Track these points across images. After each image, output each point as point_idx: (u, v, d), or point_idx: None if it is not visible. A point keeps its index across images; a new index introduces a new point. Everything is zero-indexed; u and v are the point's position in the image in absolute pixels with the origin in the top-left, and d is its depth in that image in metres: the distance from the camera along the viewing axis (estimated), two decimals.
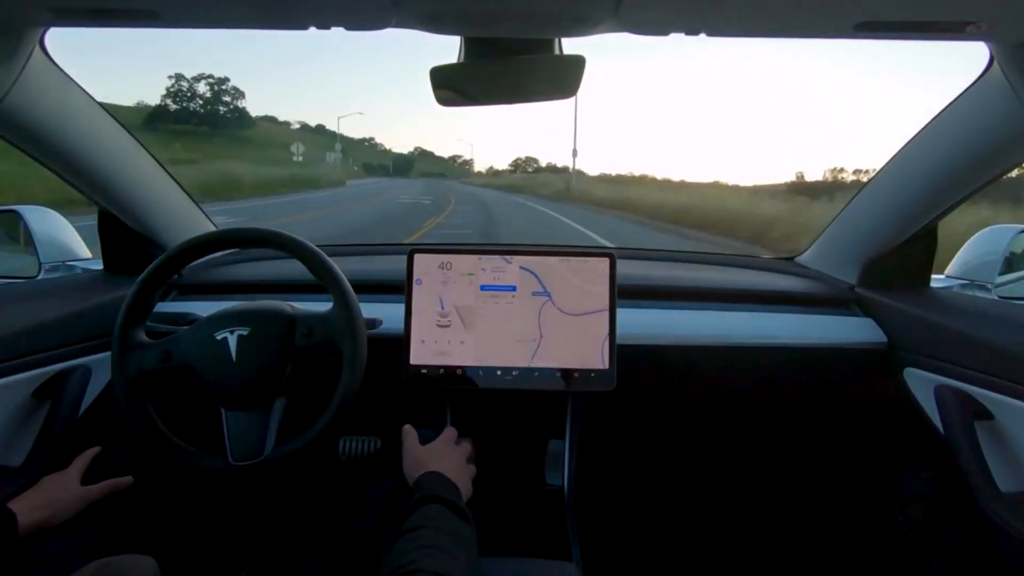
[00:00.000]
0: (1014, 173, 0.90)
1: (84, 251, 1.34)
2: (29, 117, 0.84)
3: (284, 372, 0.82)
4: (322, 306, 0.88)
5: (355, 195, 24.85)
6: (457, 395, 1.05)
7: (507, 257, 0.99)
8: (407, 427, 0.82)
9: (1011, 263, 1.28)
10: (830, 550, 1.26)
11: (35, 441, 0.87)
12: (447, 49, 0.78)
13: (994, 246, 1.26)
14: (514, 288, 0.99)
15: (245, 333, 0.82)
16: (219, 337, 0.81)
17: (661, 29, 0.66)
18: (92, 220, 1.15)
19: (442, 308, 0.99)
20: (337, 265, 0.85)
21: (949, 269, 1.31)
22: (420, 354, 0.98)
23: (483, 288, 0.99)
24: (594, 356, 0.97)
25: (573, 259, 0.99)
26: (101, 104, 0.97)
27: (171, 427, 0.83)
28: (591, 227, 11.86)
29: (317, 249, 0.86)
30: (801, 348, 1.07)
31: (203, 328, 0.83)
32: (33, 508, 0.70)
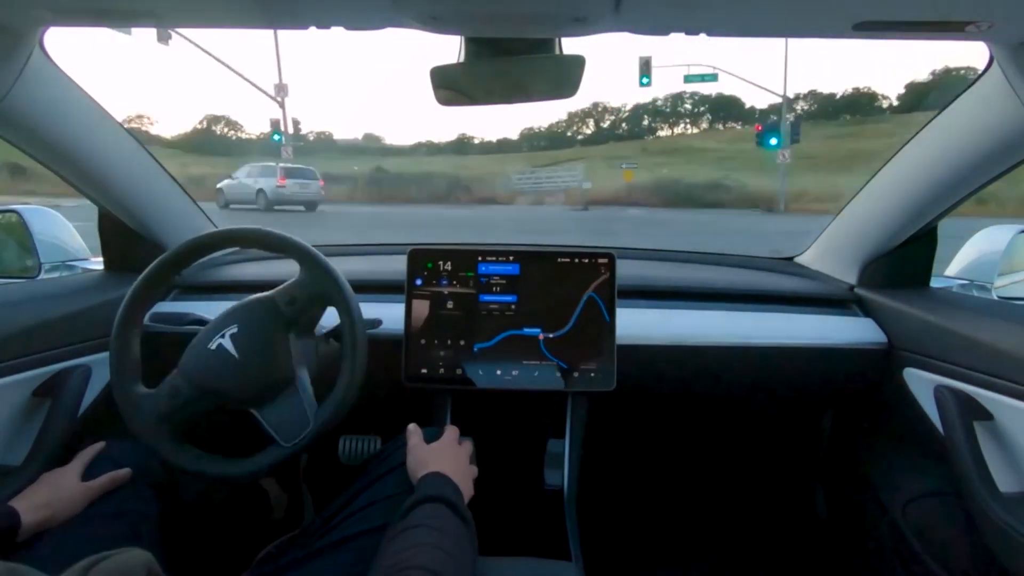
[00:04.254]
0: None
1: (84, 251, 1.34)
2: (29, 117, 0.85)
3: (291, 347, 0.83)
4: None
5: None
6: (457, 395, 1.05)
7: (507, 256, 1.00)
8: (412, 426, 0.82)
9: (1011, 263, 1.28)
10: (831, 550, 1.26)
11: (35, 441, 0.87)
12: (447, 49, 0.78)
13: (994, 246, 1.27)
14: (515, 298, 0.99)
15: (235, 331, 0.81)
16: (213, 347, 0.81)
17: (661, 29, 0.67)
18: None
19: (442, 307, 0.99)
20: (337, 266, 0.85)
21: (949, 269, 1.31)
22: (420, 354, 0.98)
23: (482, 298, 0.99)
24: (594, 356, 0.97)
25: (572, 259, 0.99)
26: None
27: (205, 447, 0.82)
28: None
29: (314, 250, 0.85)
30: (801, 348, 1.07)
31: (196, 348, 0.82)
32: (35, 507, 0.69)
